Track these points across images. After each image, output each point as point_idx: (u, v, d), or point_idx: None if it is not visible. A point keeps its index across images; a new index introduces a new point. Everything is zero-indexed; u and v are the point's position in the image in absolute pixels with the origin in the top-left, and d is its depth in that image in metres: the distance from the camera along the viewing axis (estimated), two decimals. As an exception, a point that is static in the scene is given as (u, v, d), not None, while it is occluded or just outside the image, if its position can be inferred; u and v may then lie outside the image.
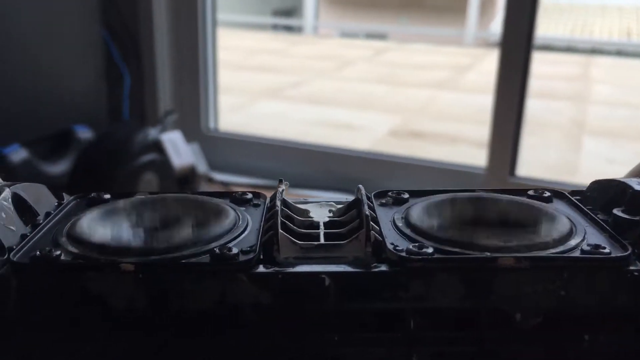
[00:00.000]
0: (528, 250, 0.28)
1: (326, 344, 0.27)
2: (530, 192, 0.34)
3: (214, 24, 1.92)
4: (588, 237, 0.30)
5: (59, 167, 1.63)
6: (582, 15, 5.68)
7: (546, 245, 0.28)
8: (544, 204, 0.33)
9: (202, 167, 1.80)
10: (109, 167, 1.57)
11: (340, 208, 0.33)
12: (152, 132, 1.70)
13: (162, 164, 1.64)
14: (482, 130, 1.79)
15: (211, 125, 1.96)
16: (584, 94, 3.39)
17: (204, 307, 0.27)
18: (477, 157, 2.17)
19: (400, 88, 3.43)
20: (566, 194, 0.34)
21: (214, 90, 1.95)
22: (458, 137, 2.56)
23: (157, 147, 1.68)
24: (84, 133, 1.72)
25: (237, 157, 1.89)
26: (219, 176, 1.82)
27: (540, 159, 2.30)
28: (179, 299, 0.27)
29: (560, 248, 0.28)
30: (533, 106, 1.83)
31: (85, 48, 1.75)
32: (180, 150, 1.72)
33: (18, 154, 1.53)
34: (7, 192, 0.30)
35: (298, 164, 1.76)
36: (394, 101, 3.18)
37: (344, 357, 0.27)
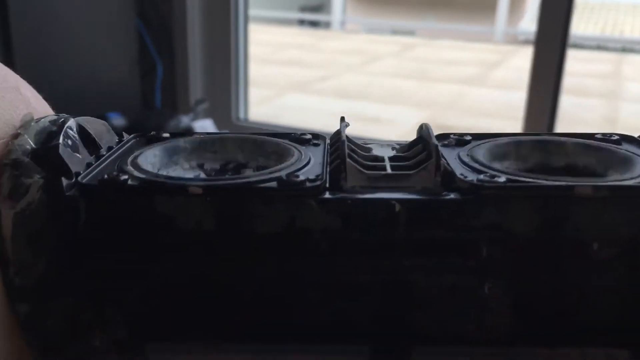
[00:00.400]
0: (604, 182, 0.27)
1: (396, 270, 0.26)
2: (598, 136, 0.33)
3: (246, 17, 1.92)
4: (665, 172, 0.29)
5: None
6: (612, 13, 5.60)
7: (622, 178, 0.28)
8: (613, 145, 0.32)
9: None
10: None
11: (403, 146, 0.33)
12: (184, 120, 1.71)
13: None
14: (511, 126, 1.77)
15: (241, 115, 1.96)
16: (616, 91, 3.34)
17: (272, 232, 0.26)
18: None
19: (428, 83, 3.41)
20: (636, 137, 0.33)
21: (244, 81, 1.96)
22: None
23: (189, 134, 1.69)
24: (118, 120, 1.74)
25: (267, 147, 1.89)
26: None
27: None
28: (246, 223, 0.26)
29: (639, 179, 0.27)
30: (565, 103, 1.81)
31: (119, 37, 1.77)
32: (211, 138, 1.72)
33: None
34: (72, 122, 0.30)
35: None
36: (422, 96, 3.16)
37: (414, 283, 0.26)
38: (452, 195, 0.27)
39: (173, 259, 0.26)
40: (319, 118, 2.61)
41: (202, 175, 0.32)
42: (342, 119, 0.33)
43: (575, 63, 3.37)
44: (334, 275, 0.27)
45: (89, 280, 0.26)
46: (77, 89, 1.64)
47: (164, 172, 0.30)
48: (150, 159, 0.31)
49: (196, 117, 1.78)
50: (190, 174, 0.32)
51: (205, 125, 1.77)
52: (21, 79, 0.34)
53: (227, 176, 0.28)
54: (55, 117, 0.30)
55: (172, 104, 1.91)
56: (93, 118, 0.33)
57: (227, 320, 0.27)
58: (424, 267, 0.26)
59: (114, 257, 0.26)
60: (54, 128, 0.29)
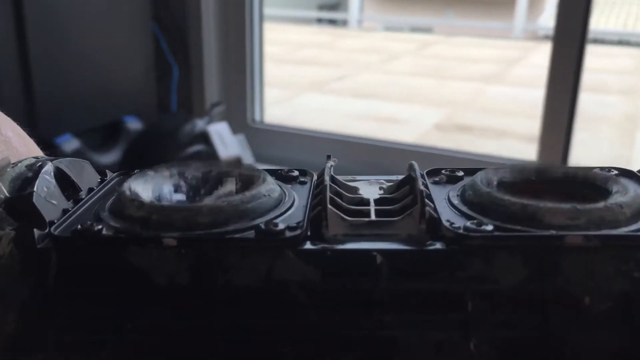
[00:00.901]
0: (597, 228, 0.26)
1: (377, 325, 0.25)
2: (596, 170, 0.32)
3: (261, 17, 1.92)
4: (663, 216, 0.27)
5: (109, 157, 1.66)
6: (635, 7, 5.50)
7: (618, 224, 0.26)
8: (611, 181, 0.31)
9: (247, 159, 1.80)
10: (157, 157, 1.59)
11: (391, 185, 0.32)
12: (200, 124, 1.72)
13: (209, 155, 1.65)
14: (531, 124, 1.75)
15: (257, 117, 1.96)
16: (637, 87, 3.28)
17: (249, 284, 0.26)
18: (525, 151, 2.12)
19: (446, 81, 3.38)
20: (635, 172, 0.32)
21: (260, 83, 1.96)
22: (506, 131, 2.51)
23: (204, 138, 1.69)
24: (134, 124, 1.74)
25: (282, 149, 1.89)
26: (265, 168, 1.82)
27: (592, 154, 2.23)
28: (223, 275, 0.26)
29: (634, 226, 0.26)
30: (585, 100, 1.78)
31: (135, 41, 1.77)
32: (226, 142, 1.72)
33: (70, 144, 1.56)
34: (49, 166, 0.29)
35: (343, 156, 1.74)
36: (440, 94, 3.13)
37: (396, 340, 0.25)
38: (437, 245, 0.26)
39: (147, 314, 0.26)
40: (336, 118, 2.60)
41: (183, 187, 0.31)
42: (328, 157, 0.32)
43: (595, 59, 3.31)
44: (313, 329, 0.26)
45: (60, 334, 0.26)
46: (93, 93, 1.64)
47: (141, 185, 0.29)
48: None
49: (212, 120, 1.78)
50: (169, 184, 0.31)
51: (220, 129, 1.77)
52: (5, 117, 0.33)
53: (203, 224, 0.27)
54: (33, 161, 0.30)
55: (188, 107, 1.92)
56: (74, 159, 0.32)
57: (202, 376, 0.26)
58: (407, 322, 0.25)
59: (86, 311, 0.26)
60: (30, 174, 0.29)
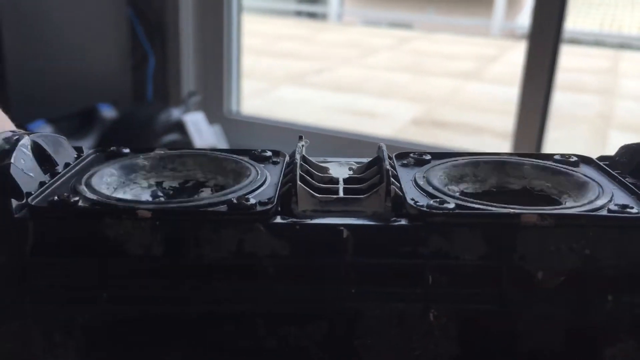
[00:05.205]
0: (553, 209, 0.27)
1: (343, 297, 0.27)
2: (557, 157, 0.34)
3: (240, 8, 1.92)
4: (615, 198, 0.29)
5: (83, 145, 1.64)
6: (611, 9, 5.58)
7: (571, 205, 0.28)
8: (570, 167, 0.32)
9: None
10: (132, 146, 1.58)
11: (360, 166, 0.33)
12: (175, 113, 1.71)
13: (185, 144, 1.65)
14: (507, 122, 1.77)
15: (233, 108, 1.96)
16: (612, 88, 3.34)
17: (220, 257, 0.27)
18: (501, 148, 2.15)
19: (424, 77, 3.40)
20: (593, 159, 0.34)
21: (237, 74, 1.95)
22: (482, 128, 2.54)
23: (180, 127, 1.69)
24: (108, 112, 1.73)
25: (259, 141, 1.89)
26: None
27: (565, 152, 2.26)
28: (195, 247, 0.27)
29: (587, 207, 0.28)
30: (559, 99, 1.81)
31: (111, 27, 1.76)
32: (202, 132, 1.72)
33: (43, 131, 1.54)
34: (26, 140, 0.30)
35: (319, 149, 1.76)
36: (418, 90, 3.15)
37: (361, 311, 0.26)
38: (401, 222, 0.27)
39: (121, 285, 0.27)
40: (313, 112, 2.60)
41: (160, 195, 0.32)
42: (300, 137, 0.33)
43: (571, 58, 3.36)
44: (282, 301, 0.27)
45: (37, 304, 0.26)
46: (67, 80, 1.63)
47: (120, 192, 0.31)
48: (107, 178, 0.31)
49: (188, 110, 1.77)
50: (148, 193, 0.32)
51: (196, 119, 1.77)
52: None
53: (177, 199, 0.28)
54: (10, 134, 0.30)
55: (164, 96, 1.91)
56: (51, 134, 0.32)
57: (176, 346, 0.27)
58: (371, 294, 0.27)
59: (62, 282, 0.26)
60: (7, 146, 0.29)
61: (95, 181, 0.30)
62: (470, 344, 0.27)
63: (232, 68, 1.93)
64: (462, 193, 0.29)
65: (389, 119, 2.61)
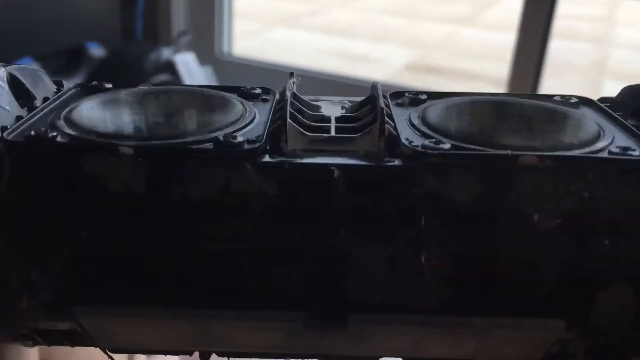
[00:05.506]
0: (552, 150, 0.26)
1: (332, 238, 0.26)
2: (557, 98, 0.32)
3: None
4: (616, 140, 0.28)
5: (70, 84, 1.61)
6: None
7: (571, 147, 0.27)
8: (570, 108, 0.31)
9: (214, 91, 1.77)
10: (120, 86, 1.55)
11: (353, 105, 0.31)
12: (165, 53, 1.67)
13: (175, 85, 1.62)
14: (502, 68, 1.75)
15: (225, 49, 1.92)
16: (607, 36, 3.30)
17: (206, 195, 0.25)
18: (494, 94, 2.12)
19: (419, 22, 3.34)
20: (594, 100, 0.32)
21: (228, 14, 1.91)
22: (477, 74, 2.51)
23: (170, 68, 1.65)
24: (96, 50, 1.69)
25: (250, 83, 1.84)
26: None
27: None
28: (179, 185, 0.25)
29: (587, 149, 0.27)
30: (555, 46, 1.78)
31: (98, -38, 1.70)
32: (193, 73, 1.69)
33: (27, 67, 1.51)
34: (1, 71, 0.29)
35: (311, 92, 1.73)
36: (412, 35, 3.10)
37: (350, 253, 0.26)
38: (394, 162, 0.26)
39: (102, 222, 0.25)
40: (306, 54, 2.56)
41: (143, 130, 0.31)
42: (291, 74, 0.32)
43: (568, 5, 3.30)
44: (269, 241, 0.26)
45: (14, 241, 0.25)
46: (54, 17, 1.58)
47: (101, 127, 0.29)
48: (87, 112, 0.29)
49: (178, 50, 1.74)
50: (130, 128, 0.30)
51: (187, 59, 1.73)
52: None
53: (160, 136, 0.26)
54: (-16, 66, 0.29)
55: (153, 35, 1.87)
56: (28, 66, 0.31)
57: (158, 285, 0.26)
58: (361, 236, 0.26)
59: (40, 219, 0.25)
60: (-18, 78, 0.28)
61: (74, 115, 0.28)
62: (461, 287, 0.26)
63: (224, 7, 1.88)
64: (458, 133, 0.28)
65: (383, 64, 2.58)
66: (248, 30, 2.75)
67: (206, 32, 1.88)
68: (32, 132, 0.26)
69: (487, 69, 2.57)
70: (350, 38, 2.92)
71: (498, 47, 2.78)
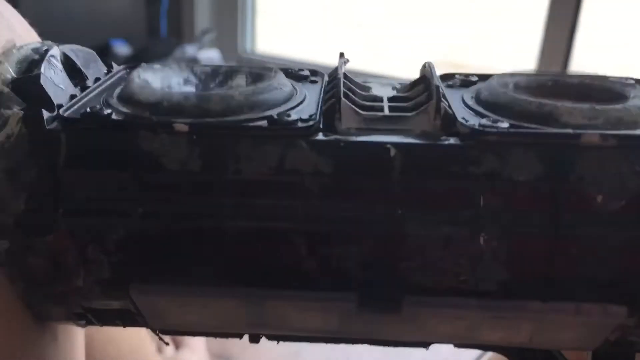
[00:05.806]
0: (615, 128, 0.26)
1: (388, 218, 0.25)
2: (612, 79, 0.32)
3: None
4: (682, 120, 0.27)
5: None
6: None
7: (635, 125, 0.26)
8: (628, 88, 0.30)
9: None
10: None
11: (404, 85, 0.31)
12: (190, 50, 1.68)
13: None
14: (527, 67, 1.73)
15: (248, 46, 1.92)
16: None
17: (260, 173, 0.25)
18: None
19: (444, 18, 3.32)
20: (651, 82, 0.32)
21: (252, 11, 1.91)
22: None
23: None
24: (122, 48, 1.71)
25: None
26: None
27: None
28: (234, 163, 0.25)
29: (650, 128, 0.26)
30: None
31: (124, -40, 1.72)
32: (217, 69, 1.69)
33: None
34: (56, 50, 0.29)
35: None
36: (436, 33, 3.08)
37: (407, 233, 0.25)
38: (451, 141, 0.26)
39: (157, 199, 0.25)
40: (329, 50, 2.55)
41: (197, 107, 0.30)
42: (342, 54, 0.31)
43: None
44: (324, 220, 0.25)
45: (70, 218, 0.25)
46: (81, 15, 1.60)
47: (154, 104, 0.29)
48: (140, 90, 0.29)
49: (202, 47, 1.74)
50: (183, 105, 0.30)
51: (211, 57, 1.74)
52: (6, 4, 0.32)
53: (214, 113, 0.26)
54: (39, 45, 0.29)
55: (178, 32, 1.87)
56: (80, 47, 0.31)
57: (212, 263, 0.26)
58: (418, 216, 0.25)
59: (96, 195, 0.25)
60: (37, 56, 0.28)
61: (128, 93, 0.28)
62: (520, 270, 0.26)
63: (247, 5, 1.88)
64: (516, 111, 0.27)
65: (409, 61, 2.56)
66: (272, 28, 2.75)
67: (230, 30, 1.89)
68: (87, 109, 0.26)
69: (513, 67, 2.54)
70: (375, 35, 2.91)
71: (523, 44, 2.75)
